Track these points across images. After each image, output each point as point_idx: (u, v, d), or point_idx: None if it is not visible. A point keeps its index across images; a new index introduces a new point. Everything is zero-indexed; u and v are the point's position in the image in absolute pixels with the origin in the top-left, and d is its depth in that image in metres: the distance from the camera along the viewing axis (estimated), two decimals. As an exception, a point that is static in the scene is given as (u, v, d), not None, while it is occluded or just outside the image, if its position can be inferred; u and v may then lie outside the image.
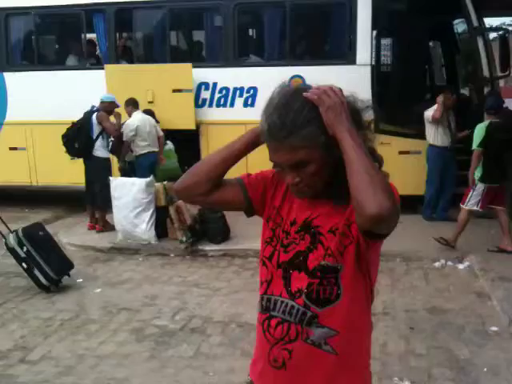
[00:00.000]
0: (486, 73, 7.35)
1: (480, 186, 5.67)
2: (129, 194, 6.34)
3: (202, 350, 3.88)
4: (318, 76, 6.78)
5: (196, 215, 6.45)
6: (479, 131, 5.66)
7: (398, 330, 4.14)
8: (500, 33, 7.64)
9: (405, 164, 7.29)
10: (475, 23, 7.35)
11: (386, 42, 7.54)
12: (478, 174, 5.69)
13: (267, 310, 1.50)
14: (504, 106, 6.35)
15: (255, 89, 7.78)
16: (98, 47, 8.74)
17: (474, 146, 5.69)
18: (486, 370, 3.54)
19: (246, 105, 7.87)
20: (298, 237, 1.47)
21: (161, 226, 6.47)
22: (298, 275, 1.45)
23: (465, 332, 4.11)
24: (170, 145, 7.64)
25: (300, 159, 1.35)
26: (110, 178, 6.60)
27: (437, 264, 5.63)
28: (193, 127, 7.78)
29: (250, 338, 4.00)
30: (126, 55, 8.60)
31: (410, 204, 7.56)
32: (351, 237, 1.39)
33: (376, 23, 7.45)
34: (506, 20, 28.57)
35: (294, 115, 1.34)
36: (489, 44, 7.42)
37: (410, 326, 4.20)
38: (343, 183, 1.32)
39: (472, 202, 5.71)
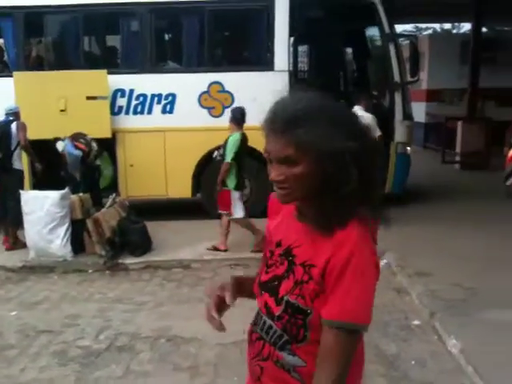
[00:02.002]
0: (396, 78, 7.62)
1: (235, 194, 5.92)
2: (42, 209, 5.96)
3: (131, 368, 3.69)
4: (236, 82, 6.87)
5: (115, 227, 6.20)
6: (232, 145, 5.80)
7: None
8: (410, 39, 7.97)
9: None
10: (387, 30, 7.62)
11: (303, 48, 7.65)
12: (231, 183, 5.90)
13: (254, 323, 1.50)
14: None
15: (174, 95, 7.66)
16: (5, 53, 8.25)
17: (228, 158, 5.82)
18: (413, 363, 3.63)
19: (164, 112, 7.70)
20: (279, 260, 1.43)
21: (77, 241, 6.15)
22: (269, 298, 1.42)
23: (390, 327, 4.20)
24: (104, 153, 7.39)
25: (289, 155, 1.27)
26: (21, 191, 6.22)
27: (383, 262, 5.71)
28: (108, 135, 7.51)
29: (180, 352, 3.89)
30: (36, 62, 8.16)
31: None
32: (322, 289, 1.32)
33: (293, 30, 7.56)
34: (415, 26, 30.13)
35: (307, 112, 1.28)
36: (400, 50, 7.68)
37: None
38: (326, 208, 1.30)
39: (238, 211, 5.94)
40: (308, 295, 1.33)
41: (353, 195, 1.28)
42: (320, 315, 1.32)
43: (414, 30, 30.26)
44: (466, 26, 32.98)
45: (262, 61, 7.75)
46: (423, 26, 30.44)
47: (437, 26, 31.32)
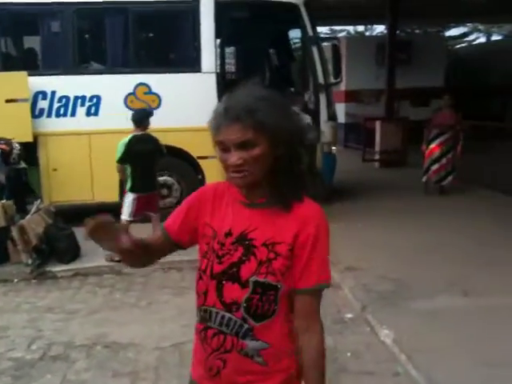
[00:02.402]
0: (321, 79, 7.84)
1: (130, 196, 5.84)
2: (-40, 217, 5.66)
3: (68, 378, 3.59)
4: (164, 84, 6.80)
5: (41, 234, 5.97)
6: (120, 146, 5.79)
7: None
8: (333, 42, 8.22)
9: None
10: (310, 32, 7.81)
11: (230, 50, 7.70)
12: (128, 185, 5.89)
13: (204, 320, 1.55)
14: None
15: (98, 97, 7.47)
16: None
17: (116, 160, 5.86)
18: (349, 354, 3.77)
19: (88, 114, 7.50)
20: (233, 248, 1.51)
21: (1, 250, 5.88)
22: (232, 286, 1.50)
23: (325, 322, 4.30)
24: None
25: (249, 139, 1.39)
26: None
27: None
28: (30, 139, 7.21)
29: (119, 358, 3.82)
30: None
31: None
32: (291, 263, 1.48)
33: (219, 32, 7.60)
34: (330, 29, 30.99)
35: (260, 100, 1.41)
36: (323, 52, 7.90)
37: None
38: (282, 185, 1.46)
39: (125, 212, 5.83)
40: (278, 271, 1.46)
41: (303, 172, 1.49)
42: (296, 287, 1.49)
43: (329, 32, 31.18)
44: (379, 28, 34.52)
45: (189, 62, 7.71)
46: (337, 28, 31.47)
47: (350, 28, 32.44)
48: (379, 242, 6.11)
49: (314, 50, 7.80)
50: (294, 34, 8.77)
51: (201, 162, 7.67)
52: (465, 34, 32.57)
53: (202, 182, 7.73)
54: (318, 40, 8.00)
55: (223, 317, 1.50)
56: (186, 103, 7.52)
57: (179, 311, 4.55)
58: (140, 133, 5.82)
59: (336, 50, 8.05)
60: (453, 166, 8.59)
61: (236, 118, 1.38)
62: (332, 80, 8.03)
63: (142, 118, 5.90)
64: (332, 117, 7.98)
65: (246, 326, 1.48)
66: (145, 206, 5.89)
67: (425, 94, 14.95)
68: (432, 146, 8.58)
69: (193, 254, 5.92)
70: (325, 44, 8.28)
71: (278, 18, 7.86)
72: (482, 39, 33.32)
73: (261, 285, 1.46)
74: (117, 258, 5.59)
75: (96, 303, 4.91)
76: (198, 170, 7.75)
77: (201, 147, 7.63)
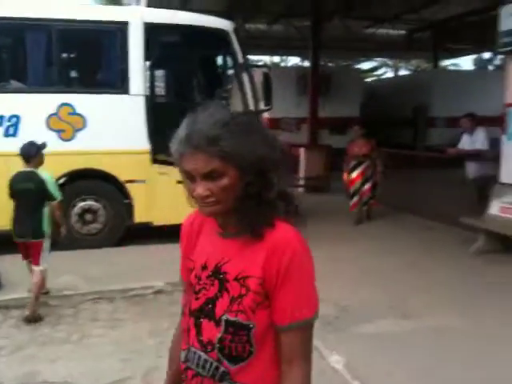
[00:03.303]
0: (252, 106, 7.86)
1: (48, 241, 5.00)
2: None
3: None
4: (89, 105, 6.48)
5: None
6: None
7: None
8: (263, 69, 8.30)
9: (182, 193, 7.34)
10: (240, 59, 7.84)
11: (159, 73, 7.55)
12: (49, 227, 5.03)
13: (185, 360, 1.45)
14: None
15: (18, 117, 7.03)
16: None
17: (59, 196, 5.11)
18: None
19: (7, 135, 7.03)
20: (209, 282, 1.41)
21: None
22: (208, 324, 1.38)
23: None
24: None
25: (215, 169, 1.29)
26: None
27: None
28: None
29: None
30: None
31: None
32: (264, 298, 1.33)
33: (149, 54, 7.45)
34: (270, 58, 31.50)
35: (224, 126, 1.29)
36: (253, 79, 7.94)
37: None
38: (250, 212, 1.33)
39: (46, 259, 4.97)
40: (249, 308, 1.32)
41: (274, 196, 1.35)
42: (273, 324, 1.33)
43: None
44: (293, 60, 35.68)
45: (116, 84, 7.49)
46: (254, 58, 32.21)
47: (266, 58, 33.27)
48: (316, 268, 6.10)
49: (245, 76, 7.84)
50: (224, 60, 8.78)
51: (128, 186, 7.41)
52: (375, 68, 34.42)
53: (130, 207, 7.46)
54: (248, 67, 8.05)
55: (199, 357, 1.39)
56: (113, 125, 7.28)
57: (116, 345, 4.26)
58: (26, 169, 4.97)
59: (267, 77, 8.12)
60: (373, 193, 8.83)
61: (199, 147, 1.27)
62: (263, 107, 8.08)
63: (29, 152, 5.00)
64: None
65: (221, 368, 1.35)
66: (25, 255, 5.03)
67: (342, 123, 15.51)
68: (353, 175, 8.77)
69: (124, 282, 5.66)
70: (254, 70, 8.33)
71: (208, 44, 7.82)
72: (390, 73, 35.36)
73: (232, 324, 1.33)
74: (45, 290, 5.20)
75: (22, 339, 4.47)
76: (125, 194, 7.45)
77: (128, 171, 7.43)
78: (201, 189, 1.30)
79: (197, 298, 1.42)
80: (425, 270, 6.19)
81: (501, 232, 6.68)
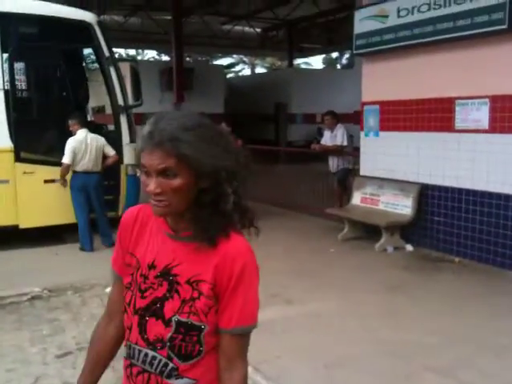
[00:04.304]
0: (120, 101, 7.69)
1: None
2: None
3: None
4: None
5: None
6: None
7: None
8: (131, 63, 8.14)
9: (52, 193, 7.02)
10: (106, 53, 7.63)
11: (19, 65, 7.07)
12: None
13: (129, 357, 1.47)
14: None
15: None
16: None
17: None
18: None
19: None
20: (157, 282, 1.42)
21: None
22: (155, 323, 1.40)
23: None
24: None
25: (169, 167, 1.30)
26: None
27: (108, 289, 5.56)
28: None
29: None
30: None
31: (59, 234, 7.36)
32: (215, 302, 1.39)
33: (6, 45, 6.96)
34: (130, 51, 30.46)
35: (188, 128, 1.32)
36: (120, 73, 7.77)
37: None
38: (205, 220, 1.35)
39: None
40: (201, 311, 1.37)
41: (230, 208, 1.38)
42: (218, 326, 1.39)
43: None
44: (150, 54, 35.20)
45: (-30, 77, 6.91)
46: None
47: (121, 51, 32.51)
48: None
49: (112, 70, 7.65)
50: (90, 54, 8.47)
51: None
52: (232, 65, 35.14)
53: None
54: (115, 60, 7.86)
55: (146, 355, 1.41)
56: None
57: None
58: None
59: (134, 71, 8.00)
60: None
61: (159, 144, 1.29)
62: (132, 102, 7.94)
63: None
64: (134, 139, 7.86)
65: (170, 365, 1.39)
66: None
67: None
68: None
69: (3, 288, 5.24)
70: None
71: (71, 36, 7.53)
72: (248, 70, 36.35)
73: (183, 325, 1.37)
74: None
75: None
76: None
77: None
78: (153, 185, 1.31)
79: (143, 297, 1.42)
80: (299, 258, 6.58)
81: (362, 220, 7.29)
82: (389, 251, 6.87)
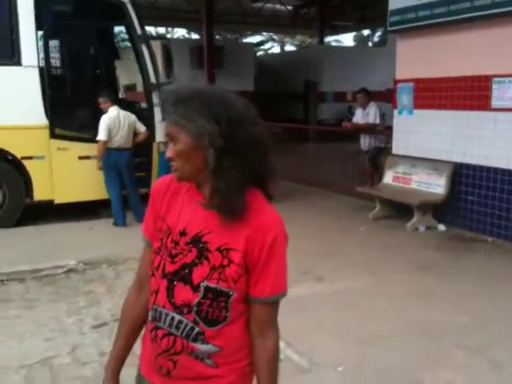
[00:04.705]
0: (152, 79, 7.73)
1: None
2: None
3: None
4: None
5: None
6: None
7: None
8: (163, 41, 8.16)
9: (86, 169, 7.13)
10: (139, 31, 7.66)
11: (53, 43, 7.17)
12: None
13: (154, 320, 1.50)
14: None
15: None
16: None
17: None
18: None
19: None
20: (187, 249, 1.45)
21: None
22: (183, 287, 1.44)
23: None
24: None
25: (171, 132, 1.40)
26: None
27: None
28: None
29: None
30: None
31: (93, 209, 7.51)
32: (244, 271, 1.43)
33: (41, 23, 7.05)
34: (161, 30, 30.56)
35: (187, 95, 1.39)
36: (153, 51, 7.80)
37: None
38: (218, 189, 1.38)
39: None
40: (230, 278, 1.41)
41: (245, 176, 1.39)
42: (250, 295, 1.44)
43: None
44: (179, 32, 35.11)
45: (6, 55, 7.02)
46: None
47: (151, 29, 32.54)
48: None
49: (144, 48, 7.68)
50: (122, 32, 8.52)
51: (25, 162, 7.05)
52: (261, 43, 34.85)
53: (28, 184, 7.11)
54: (147, 39, 7.89)
55: (173, 318, 1.45)
56: (5, 99, 6.84)
57: (36, 326, 4.13)
58: None
59: (166, 50, 8.04)
60: None
61: (168, 107, 1.39)
62: (164, 80, 7.98)
63: None
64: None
65: (196, 329, 1.43)
66: None
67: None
68: None
69: (34, 262, 5.46)
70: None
71: (105, 14, 7.57)
72: (277, 48, 36.02)
73: (212, 290, 1.41)
74: None
75: None
76: (22, 171, 7.07)
77: (25, 147, 7.05)
78: (167, 151, 1.42)
79: (173, 262, 1.45)
80: (330, 237, 6.57)
81: (394, 199, 7.23)
82: (420, 231, 6.82)
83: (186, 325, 1.43)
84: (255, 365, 1.48)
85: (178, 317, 1.44)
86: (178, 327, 1.44)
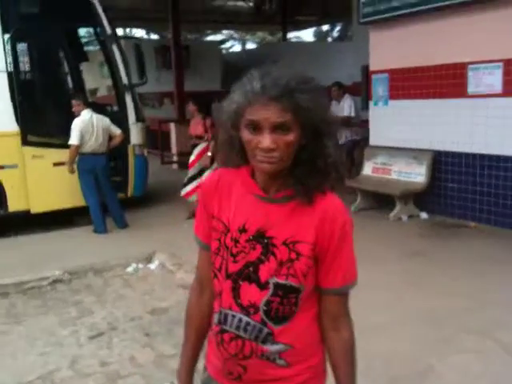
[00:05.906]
0: (124, 80, 7.58)
1: None
2: None
3: None
4: None
5: None
6: None
7: (136, 341, 3.92)
8: (134, 42, 8.01)
9: (61, 176, 6.91)
10: (109, 31, 7.50)
11: (21, 46, 6.93)
12: None
13: (220, 323, 1.44)
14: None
15: None
16: None
17: None
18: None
19: None
20: (248, 246, 1.38)
21: None
22: (249, 287, 1.38)
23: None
24: None
25: (286, 122, 1.27)
26: None
27: (129, 269, 5.56)
28: None
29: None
30: None
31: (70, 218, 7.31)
32: (314, 263, 1.38)
33: (7, 26, 6.81)
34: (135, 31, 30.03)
35: (301, 82, 1.30)
36: (124, 52, 7.64)
37: (144, 333, 4.04)
38: (304, 177, 1.33)
39: None
40: (300, 272, 1.36)
41: (327, 165, 1.36)
42: (322, 286, 1.41)
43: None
44: (138, 33, 34.64)
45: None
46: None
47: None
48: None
49: (115, 49, 7.54)
50: (93, 33, 8.32)
51: (-5, 172, 6.79)
52: (222, 41, 34.70)
53: (1, 195, 6.86)
54: (117, 39, 7.73)
55: (240, 320, 1.39)
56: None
57: (27, 340, 3.97)
58: None
59: (138, 50, 7.87)
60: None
61: (277, 98, 1.26)
62: (137, 81, 7.83)
63: None
64: (140, 118, 7.77)
65: (265, 330, 1.38)
66: None
67: (205, 97, 15.51)
68: (191, 159, 7.32)
69: (17, 275, 5.25)
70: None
71: (74, 15, 7.38)
72: (238, 46, 35.96)
73: (282, 287, 1.36)
74: None
75: None
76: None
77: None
78: (268, 140, 1.27)
79: (235, 261, 1.39)
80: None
81: (375, 190, 7.27)
82: (403, 220, 6.88)
83: (254, 326, 1.38)
84: (332, 359, 1.44)
85: (245, 318, 1.38)
86: (245, 329, 1.39)
